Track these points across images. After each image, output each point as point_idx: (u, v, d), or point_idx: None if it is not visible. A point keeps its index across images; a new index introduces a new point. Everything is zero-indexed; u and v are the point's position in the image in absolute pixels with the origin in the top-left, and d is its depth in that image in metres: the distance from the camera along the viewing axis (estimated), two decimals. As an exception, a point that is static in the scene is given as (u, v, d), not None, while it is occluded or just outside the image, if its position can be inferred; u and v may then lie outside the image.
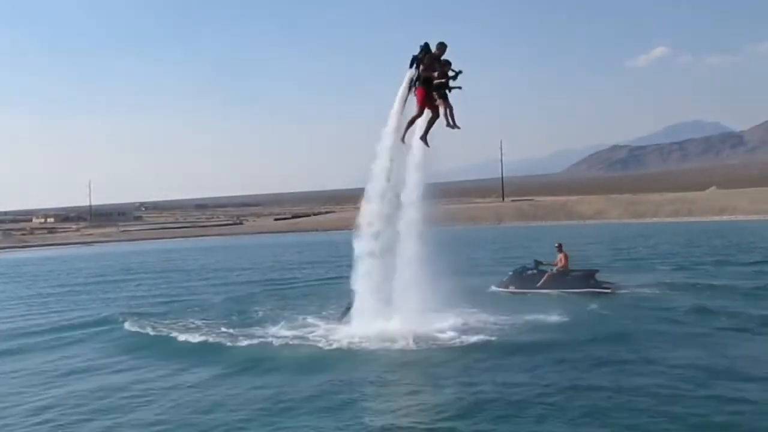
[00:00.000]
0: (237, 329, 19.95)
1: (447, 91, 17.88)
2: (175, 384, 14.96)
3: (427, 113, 18.13)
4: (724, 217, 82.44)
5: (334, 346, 17.51)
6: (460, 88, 17.90)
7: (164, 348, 18.47)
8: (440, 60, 17.91)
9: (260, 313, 22.73)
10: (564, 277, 25.85)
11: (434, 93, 17.81)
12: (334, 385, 14.16)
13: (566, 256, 26.37)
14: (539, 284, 25.80)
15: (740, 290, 25.10)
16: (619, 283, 26.34)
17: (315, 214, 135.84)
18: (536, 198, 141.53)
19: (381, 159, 19.26)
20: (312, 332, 19.21)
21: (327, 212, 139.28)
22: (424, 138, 18.29)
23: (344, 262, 25.43)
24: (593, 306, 21.91)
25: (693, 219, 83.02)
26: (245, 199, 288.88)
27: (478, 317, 19.99)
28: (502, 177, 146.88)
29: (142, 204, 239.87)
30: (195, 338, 19.00)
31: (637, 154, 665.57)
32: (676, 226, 72.89)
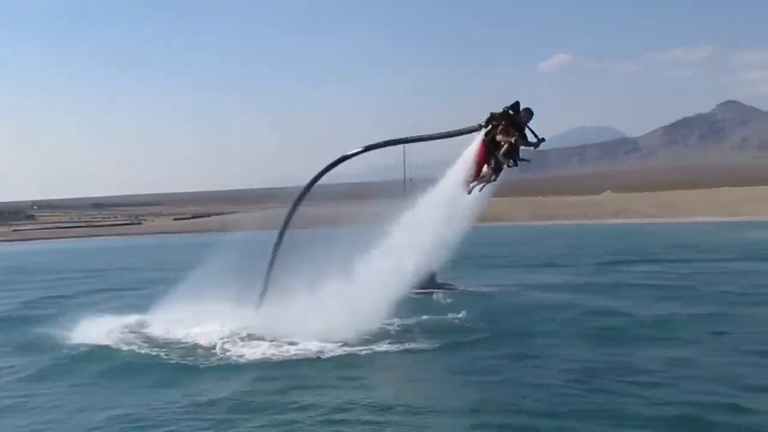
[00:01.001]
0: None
1: (508, 165, 16.13)
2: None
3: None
4: (620, 220, 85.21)
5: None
6: (528, 161, 16.43)
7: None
8: (520, 128, 15.93)
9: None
10: None
11: (492, 160, 16.22)
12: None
13: None
14: None
15: (591, 287, 26.88)
16: (469, 282, 27.26)
17: (217, 215, 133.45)
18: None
19: (433, 204, 18.33)
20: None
21: (231, 213, 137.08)
22: (470, 187, 16.90)
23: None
24: (416, 305, 21.59)
25: (592, 221, 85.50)
26: (145, 198, 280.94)
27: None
28: (404, 179, 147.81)
29: (35, 203, 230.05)
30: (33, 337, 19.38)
31: (537, 157, 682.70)
32: (576, 228, 74.79)
